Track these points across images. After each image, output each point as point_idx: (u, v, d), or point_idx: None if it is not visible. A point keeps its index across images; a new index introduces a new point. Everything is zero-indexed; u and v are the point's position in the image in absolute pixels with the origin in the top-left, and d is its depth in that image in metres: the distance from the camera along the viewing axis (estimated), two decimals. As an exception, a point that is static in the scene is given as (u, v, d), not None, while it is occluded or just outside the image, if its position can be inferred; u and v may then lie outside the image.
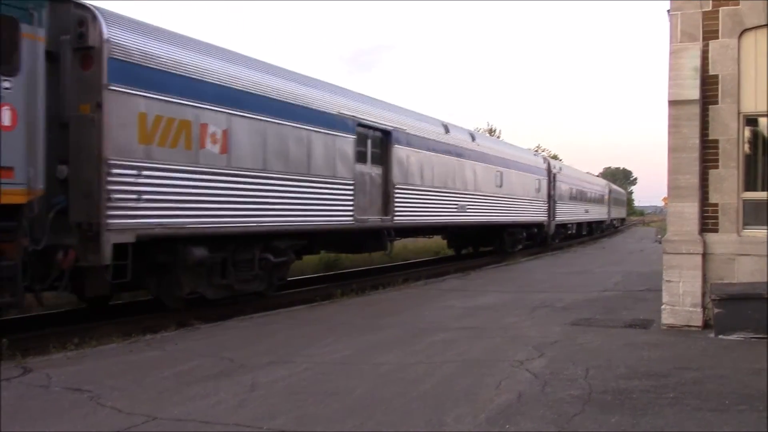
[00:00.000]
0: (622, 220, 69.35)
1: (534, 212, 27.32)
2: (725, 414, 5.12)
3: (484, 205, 21.55)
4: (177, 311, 10.98)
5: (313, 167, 12.99)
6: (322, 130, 13.28)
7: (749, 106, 8.87)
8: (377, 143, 15.45)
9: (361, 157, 14.66)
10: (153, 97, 9.58)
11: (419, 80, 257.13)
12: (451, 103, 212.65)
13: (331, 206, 13.54)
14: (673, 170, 8.98)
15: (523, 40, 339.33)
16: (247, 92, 11.45)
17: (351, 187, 14.13)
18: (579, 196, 37.18)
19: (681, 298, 8.83)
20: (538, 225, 28.35)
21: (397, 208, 15.82)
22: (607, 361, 6.92)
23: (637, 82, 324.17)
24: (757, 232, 8.74)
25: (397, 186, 15.93)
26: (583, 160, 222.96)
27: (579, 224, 38.02)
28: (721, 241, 8.86)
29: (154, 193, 9.60)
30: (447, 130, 19.24)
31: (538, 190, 27.87)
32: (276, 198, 12.00)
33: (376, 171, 15.34)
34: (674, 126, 8.97)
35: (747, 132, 9.04)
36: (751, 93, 8.85)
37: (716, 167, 8.94)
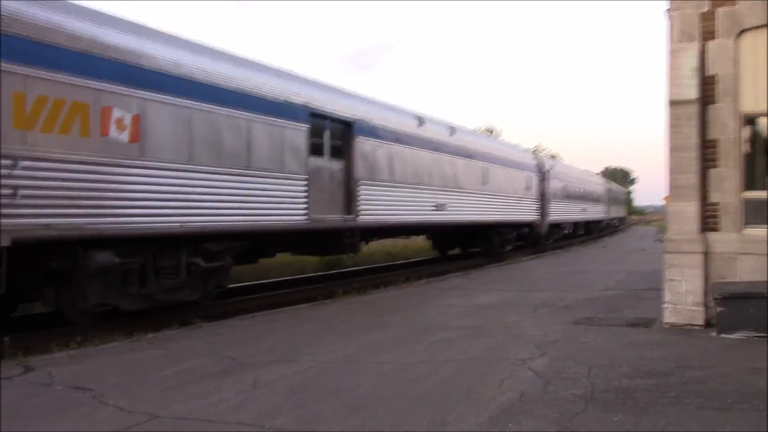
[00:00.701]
0: (622, 219, 67.50)
1: (524, 211, 25.85)
2: (727, 413, 5.13)
3: (466, 203, 20.06)
4: (174, 312, 10.94)
5: (255, 161, 11.51)
6: (267, 119, 11.83)
7: (748, 106, 8.88)
8: (337, 135, 14.03)
9: (316, 150, 13.23)
10: (35, 75, 8.12)
11: (419, 80, 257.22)
12: (452, 104, 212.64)
13: (278, 204, 12.06)
14: (673, 170, 8.99)
15: (523, 41, 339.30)
16: (166, 73, 9.96)
17: (304, 183, 12.66)
18: (575, 195, 35.75)
19: (683, 296, 8.84)
20: (529, 224, 26.86)
21: (362, 207, 14.41)
22: (609, 359, 6.93)
23: (637, 82, 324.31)
24: (758, 231, 8.75)
25: (362, 182, 14.52)
26: (584, 159, 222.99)
27: (575, 223, 36.63)
28: (722, 240, 8.87)
29: (38, 188, 8.15)
30: (421, 122, 17.75)
31: (529, 187, 26.46)
32: (206, 195, 10.53)
33: (336, 165, 13.91)
34: (674, 126, 8.98)
35: (746, 131, 9.05)
36: (749, 93, 8.86)
37: (716, 166, 8.95)
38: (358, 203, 14.36)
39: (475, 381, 6.15)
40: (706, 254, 8.85)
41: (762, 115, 8.96)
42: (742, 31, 8.82)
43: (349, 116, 14.34)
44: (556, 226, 31.59)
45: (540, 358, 7.08)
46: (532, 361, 6.90)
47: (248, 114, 11.42)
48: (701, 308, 8.74)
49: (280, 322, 9.91)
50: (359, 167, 14.48)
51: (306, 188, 12.74)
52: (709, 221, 8.96)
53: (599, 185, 47.16)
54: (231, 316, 10.65)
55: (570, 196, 34.23)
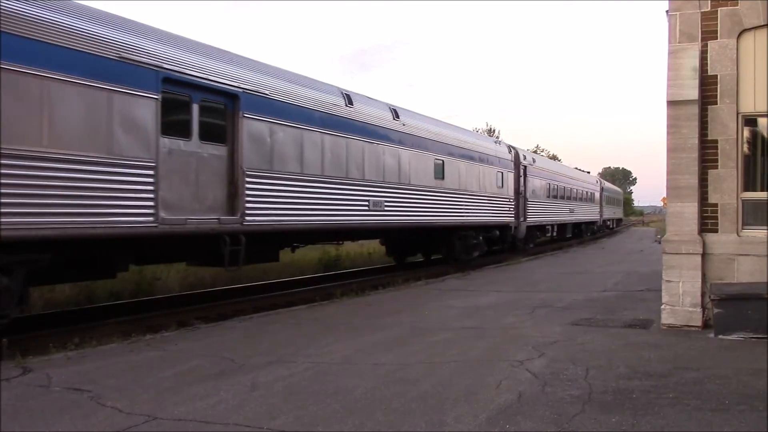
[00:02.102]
0: (618, 221, 63.80)
1: (495, 212, 22.57)
2: (725, 414, 5.13)
3: (414, 202, 17.06)
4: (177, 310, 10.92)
5: (57, 139, 8.35)
6: (81, 81, 8.65)
7: (748, 107, 8.88)
8: (215, 112, 10.95)
9: (176, 130, 10.09)
10: None
11: (419, 80, 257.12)
12: (452, 104, 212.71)
13: (103, 201, 8.92)
14: (673, 170, 8.99)
15: (523, 41, 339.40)
16: None
17: (149, 173, 9.54)
18: (561, 194, 32.60)
19: (681, 298, 8.84)
20: (502, 227, 23.52)
21: (251, 205, 11.28)
22: (607, 361, 6.93)
23: (636, 82, 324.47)
24: (757, 232, 8.75)
25: (252, 173, 11.36)
26: (583, 159, 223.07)
27: (562, 225, 33.68)
28: (721, 241, 8.87)
29: None
30: (349, 102, 14.45)
31: (501, 185, 23.17)
32: None
33: (211, 151, 10.71)
34: (673, 126, 8.98)
35: (746, 132, 9.05)
36: (750, 93, 8.86)
37: (715, 167, 8.95)
38: (246, 201, 11.17)
39: (473, 382, 6.15)
40: (705, 255, 8.85)
41: (762, 115, 8.96)
42: (743, 31, 8.83)
43: (233, 87, 11.09)
44: (538, 229, 28.92)
45: (538, 359, 7.08)
46: (531, 362, 6.90)
47: (42, 71, 8.18)
48: (699, 309, 8.74)
49: (278, 324, 9.90)
50: (248, 154, 11.30)
51: (153, 180, 9.58)
52: (707, 222, 8.96)
53: (591, 184, 44.26)
54: (229, 318, 10.65)
55: (555, 195, 31.33)
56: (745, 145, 9.04)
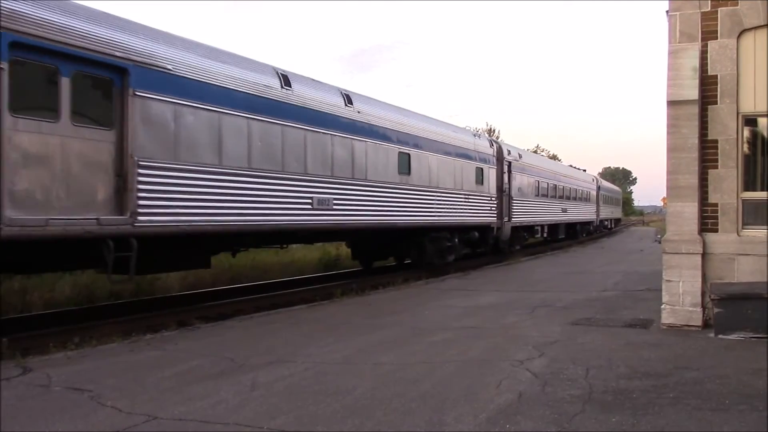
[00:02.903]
0: (617, 221, 61.03)
1: (474, 211, 20.59)
2: (725, 413, 5.13)
3: (373, 199, 15.11)
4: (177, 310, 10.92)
5: None
6: None
7: (748, 106, 8.88)
8: (96, 89, 9.15)
9: (37, 108, 8.36)
10: None
11: (419, 81, 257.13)
12: (451, 104, 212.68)
13: None
14: (673, 170, 8.99)
15: (523, 41, 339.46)
16: None
17: None
18: (552, 192, 30.52)
19: (681, 297, 8.84)
20: (483, 228, 21.48)
21: (146, 202, 9.45)
22: (607, 360, 6.93)
23: (636, 82, 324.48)
24: (757, 232, 8.75)
25: (148, 164, 9.49)
26: (584, 159, 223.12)
27: (553, 226, 31.38)
28: (721, 241, 8.87)
29: None
30: (286, 83, 12.46)
31: (481, 182, 21.17)
32: None
33: (90, 136, 8.85)
34: (673, 126, 8.98)
35: (746, 132, 9.05)
36: (750, 93, 8.86)
37: (715, 167, 8.95)
38: (138, 197, 9.36)
39: (473, 382, 6.15)
40: (705, 255, 8.85)
41: (762, 115, 8.96)
42: (743, 31, 8.83)
43: (121, 58, 9.20)
44: (525, 229, 26.83)
45: (538, 358, 7.08)
46: (531, 362, 6.90)
47: None
48: (699, 309, 8.74)
49: (278, 323, 9.91)
50: (143, 141, 9.46)
51: None
52: (707, 222, 8.96)
53: (587, 183, 42.06)
54: (229, 317, 10.65)
55: (546, 194, 29.31)
56: (745, 145, 9.04)
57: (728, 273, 8.79)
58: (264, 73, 12.14)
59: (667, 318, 8.90)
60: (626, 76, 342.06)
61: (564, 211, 33.08)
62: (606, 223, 51.16)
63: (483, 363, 6.96)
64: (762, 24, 8.73)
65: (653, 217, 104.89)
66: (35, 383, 6.32)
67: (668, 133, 9.03)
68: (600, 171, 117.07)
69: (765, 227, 8.71)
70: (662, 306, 8.99)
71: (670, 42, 9.14)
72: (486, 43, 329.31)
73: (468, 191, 20.17)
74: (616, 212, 60.07)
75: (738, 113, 8.88)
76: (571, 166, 44.83)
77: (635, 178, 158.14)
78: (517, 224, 24.67)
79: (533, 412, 5.18)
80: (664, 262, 9.07)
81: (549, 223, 30.18)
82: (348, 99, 14.57)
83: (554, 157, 64.81)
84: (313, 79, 14.03)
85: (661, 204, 52.37)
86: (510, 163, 23.97)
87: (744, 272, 8.70)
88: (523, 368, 6.64)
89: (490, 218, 21.92)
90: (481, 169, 21.32)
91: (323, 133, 13.43)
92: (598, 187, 45.48)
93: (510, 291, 13.65)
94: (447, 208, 18.78)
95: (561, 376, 6.30)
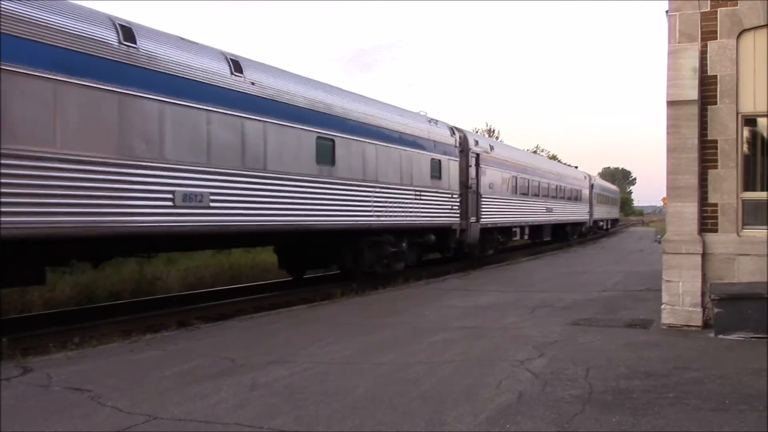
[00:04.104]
0: (614, 221, 57.63)
1: (429, 211, 17.78)
2: (725, 414, 5.13)
3: (278, 195, 12.28)
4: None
5: None
6: None
7: (748, 107, 8.89)
8: None
9: None
10: None
11: (419, 80, 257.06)
12: (452, 104, 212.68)
13: None
14: (672, 170, 8.99)
15: (522, 41, 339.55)
16: None
17: None
18: (535, 190, 27.77)
19: (681, 297, 8.84)
20: (442, 230, 18.80)
21: None
22: (607, 360, 6.93)
23: (636, 82, 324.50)
24: (757, 232, 8.76)
25: None
26: (583, 159, 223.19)
27: (536, 227, 28.48)
28: (721, 241, 8.87)
29: None
30: (129, 39, 9.60)
31: (439, 176, 18.36)
32: None
33: None
34: (673, 126, 8.98)
35: (746, 132, 9.05)
36: (749, 93, 8.86)
37: (715, 167, 8.95)
38: None
39: (473, 382, 6.15)
40: (705, 255, 8.85)
41: (761, 115, 8.97)
42: (743, 32, 8.83)
43: None
44: (501, 231, 23.86)
45: (538, 359, 7.08)
46: (531, 362, 6.90)
47: None
48: (699, 309, 8.74)
49: (278, 324, 9.91)
50: None
51: None
52: (707, 222, 8.96)
53: (578, 180, 39.09)
54: (229, 318, 10.66)
55: (525, 192, 26.50)
56: (745, 145, 9.04)
57: (728, 273, 8.79)
58: (93, 22, 9.17)
59: (667, 318, 8.90)
60: (626, 76, 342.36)
61: (549, 210, 30.33)
62: (601, 224, 48.67)
63: (483, 363, 6.96)
64: (762, 24, 8.73)
65: (653, 217, 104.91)
66: (35, 383, 6.32)
67: (668, 133, 9.03)
68: (600, 171, 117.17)
69: (765, 227, 8.71)
70: (662, 306, 8.99)
71: (669, 42, 9.14)
72: (486, 43, 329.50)
73: (420, 187, 17.21)
74: (613, 212, 56.73)
75: (738, 113, 8.88)
76: (559, 161, 41.94)
77: (635, 178, 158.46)
78: (489, 225, 21.95)
79: (533, 412, 5.18)
80: (664, 262, 9.08)
81: (530, 223, 27.36)
82: (236, 66, 11.51)
83: (554, 157, 64.41)
84: (182, 38, 10.96)
85: (661, 204, 51.94)
86: (478, 155, 21.16)
87: (744, 272, 8.70)
88: (523, 368, 6.64)
89: (451, 219, 19.05)
90: (439, 161, 18.43)
91: (196, 108, 10.55)
92: (591, 186, 42.70)
93: (510, 291, 13.65)
94: (390, 207, 15.78)
95: (561, 376, 6.30)
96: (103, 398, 5.73)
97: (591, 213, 41.85)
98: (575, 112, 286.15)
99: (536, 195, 28.19)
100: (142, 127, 9.75)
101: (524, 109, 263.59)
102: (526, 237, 27.66)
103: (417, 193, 17.09)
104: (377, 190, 15.28)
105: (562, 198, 33.28)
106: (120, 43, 9.46)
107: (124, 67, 9.47)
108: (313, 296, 13.24)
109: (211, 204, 10.79)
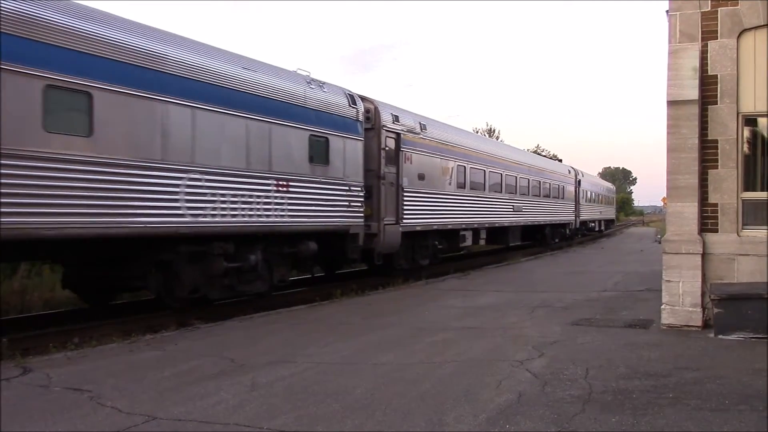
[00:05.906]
0: (608, 222, 51.09)
1: (306, 209, 12.96)
2: (725, 414, 5.13)
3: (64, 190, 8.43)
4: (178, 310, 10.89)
5: None
6: None
7: (748, 106, 8.89)
8: None
9: None
10: None
11: (419, 81, 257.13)
12: (452, 104, 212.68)
13: None
14: (672, 170, 8.99)
15: (523, 41, 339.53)
16: None
17: None
18: (495, 185, 23.02)
19: (681, 298, 8.84)
20: (333, 235, 14.09)
21: None
22: (607, 361, 6.93)
23: (637, 82, 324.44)
24: (757, 232, 8.75)
25: None
26: (583, 159, 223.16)
27: (498, 230, 23.55)
28: (721, 241, 8.87)
29: None
30: None
31: (324, 160, 13.51)
32: None
33: None
34: (673, 126, 8.98)
35: (746, 132, 9.05)
36: (750, 93, 8.86)
37: (715, 167, 8.95)
38: None
39: (473, 382, 6.15)
40: (705, 255, 8.85)
41: (762, 115, 8.97)
42: (743, 31, 8.83)
43: None
44: (442, 236, 19.03)
45: (538, 359, 7.08)
46: (531, 362, 6.90)
47: None
48: (699, 309, 8.74)
49: (278, 324, 9.90)
50: None
51: None
52: (707, 222, 8.96)
53: (561, 175, 33.64)
54: (229, 318, 10.64)
55: (480, 186, 21.67)
56: (745, 145, 9.04)
57: (728, 273, 8.79)
58: None
59: (667, 318, 8.90)
60: (626, 76, 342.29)
61: (517, 210, 25.20)
62: (591, 225, 42.69)
63: (483, 363, 6.96)
64: (762, 24, 8.73)
65: (653, 217, 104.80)
66: (35, 383, 6.32)
67: (668, 133, 9.03)
68: (600, 171, 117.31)
69: (765, 227, 8.71)
70: (662, 306, 8.99)
71: (670, 42, 9.14)
72: (487, 43, 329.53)
73: (287, 174, 12.41)
74: (607, 212, 49.84)
75: (738, 113, 8.88)
76: (534, 152, 36.36)
77: (635, 178, 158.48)
78: (417, 228, 17.11)
79: (533, 413, 5.18)
80: (664, 262, 9.07)
81: (488, 225, 22.27)
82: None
83: (554, 157, 63.53)
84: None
85: (661, 204, 51.63)
86: (399, 135, 16.17)
87: (744, 272, 8.70)
88: (522, 368, 6.64)
89: (347, 219, 14.24)
90: (326, 139, 13.54)
91: None
92: (578, 181, 36.74)
93: (510, 291, 13.65)
94: (224, 203, 10.96)
95: (561, 376, 6.30)
96: (102, 398, 5.73)
97: (577, 213, 36.15)
98: (576, 112, 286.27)
99: (497, 191, 23.28)
100: None
101: (525, 109, 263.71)
102: (482, 242, 22.42)
103: (281, 183, 12.27)
104: (195, 176, 10.39)
105: (537, 195, 28.18)
106: None
107: None
108: (313, 296, 13.22)
109: None
